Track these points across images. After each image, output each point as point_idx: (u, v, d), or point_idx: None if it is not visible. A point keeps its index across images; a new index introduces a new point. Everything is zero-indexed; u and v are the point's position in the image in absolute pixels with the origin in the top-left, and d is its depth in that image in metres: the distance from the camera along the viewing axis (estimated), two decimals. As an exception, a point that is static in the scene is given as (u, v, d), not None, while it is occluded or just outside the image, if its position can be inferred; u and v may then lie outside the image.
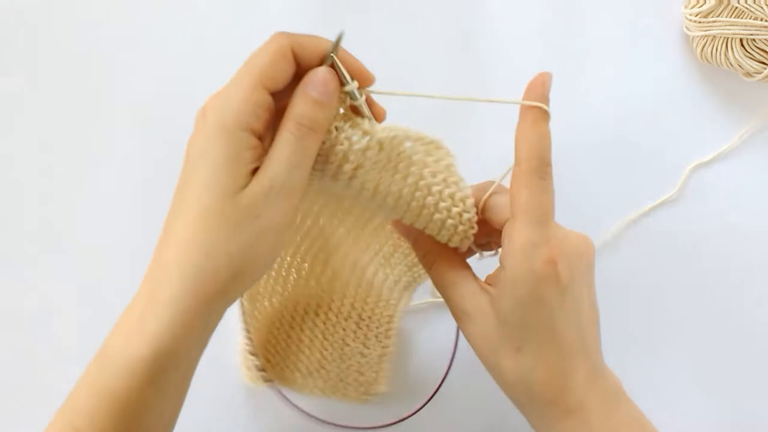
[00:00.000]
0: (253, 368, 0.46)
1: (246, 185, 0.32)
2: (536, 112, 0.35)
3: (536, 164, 0.35)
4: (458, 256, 0.39)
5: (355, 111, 0.35)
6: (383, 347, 0.48)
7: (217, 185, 0.32)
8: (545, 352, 0.35)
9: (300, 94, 0.33)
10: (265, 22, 0.54)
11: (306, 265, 0.45)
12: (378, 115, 0.36)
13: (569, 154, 0.53)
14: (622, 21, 0.55)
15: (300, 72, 0.34)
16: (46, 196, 0.52)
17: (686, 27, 0.53)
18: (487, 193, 0.38)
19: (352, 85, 0.34)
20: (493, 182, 0.38)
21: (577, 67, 0.54)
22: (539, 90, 0.36)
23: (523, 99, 0.35)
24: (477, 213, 0.38)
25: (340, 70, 0.34)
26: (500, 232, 0.37)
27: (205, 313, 0.33)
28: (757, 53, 0.51)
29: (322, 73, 0.33)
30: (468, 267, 0.38)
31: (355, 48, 0.53)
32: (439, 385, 0.48)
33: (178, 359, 0.33)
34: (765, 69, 0.51)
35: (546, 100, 0.35)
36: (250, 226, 0.32)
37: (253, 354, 0.46)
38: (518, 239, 0.35)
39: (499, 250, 0.37)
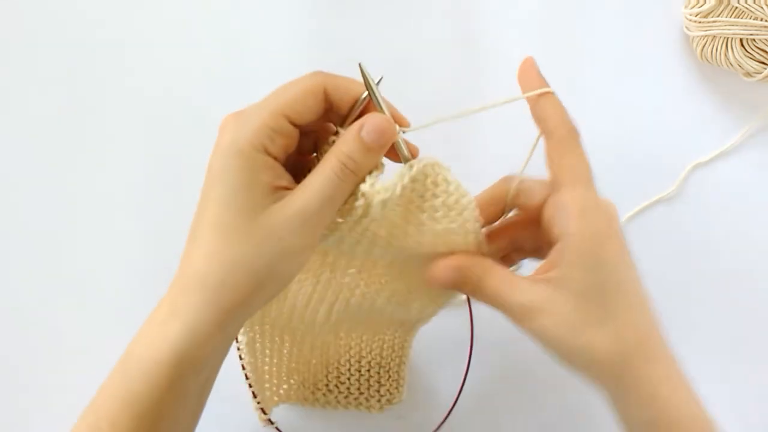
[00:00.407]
0: (258, 410, 0.46)
1: (267, 204, 0.33)
2: (544, 93, 0.37)
3: (568, 130, 0.36)
4: (501, 267, 0.37)
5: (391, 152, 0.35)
6: (400, 357, 0.48)
7: (236, 204, 0.33)
8: (629, 312, 0.35)
9: (353, 135, 0.34)
10: (264, 21, 0.54)
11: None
12: (413, 153, 0.36)
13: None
14: (622, 21, 0.55)
15: (330, 112, 0.35)
16: (46, 196, 0.52)
17: (686, 27, 0.53)
18: (516, 182, 0.38)
19: (400, 134, 0.35)
20: (508, 177, 0.39)
21: (577, 66, 0.54)
22: (533, 74, 0.38)
23: (521, 88, 0.37)
24: (506, 208, 0.38)
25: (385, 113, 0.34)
26: (531, 229, 0.37)
27: (224, 323, 0.33)
28: (757, 53, 0.51)
29: (381, 120, 0.34)
30: (513, 273, 0.37)
31: (355, 47, 0.54)
32: (453, 406, 0.48)
33: (197, 366, 0.34)
34: (765, 69, 0.51)
35: (543, 80, 0.38)
36: (272, 246, 0.33)
37: (255, 396, 0.46)
38: (576, 204, 0.35)
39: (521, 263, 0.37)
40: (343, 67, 0.52)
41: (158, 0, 0.54)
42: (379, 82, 0.35)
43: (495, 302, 0.36)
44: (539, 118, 0.37)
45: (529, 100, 0.37)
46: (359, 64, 0.35)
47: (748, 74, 0.52)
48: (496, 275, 0.36)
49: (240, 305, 0.34)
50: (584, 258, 0.35)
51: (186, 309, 0.33)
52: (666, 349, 0.36)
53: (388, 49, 0.54)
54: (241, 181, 0.33)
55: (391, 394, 0.48)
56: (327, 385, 0.48)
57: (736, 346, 0.51)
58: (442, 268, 0.36)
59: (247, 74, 0.54)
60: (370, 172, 0.34)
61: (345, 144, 0.34)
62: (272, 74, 0.52)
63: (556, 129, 0.36)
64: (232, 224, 0.33)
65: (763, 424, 0.51)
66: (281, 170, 0.34)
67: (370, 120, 0.34)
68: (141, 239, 0.52)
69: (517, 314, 0.35)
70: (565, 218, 0.35)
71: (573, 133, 0.37)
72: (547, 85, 0.37)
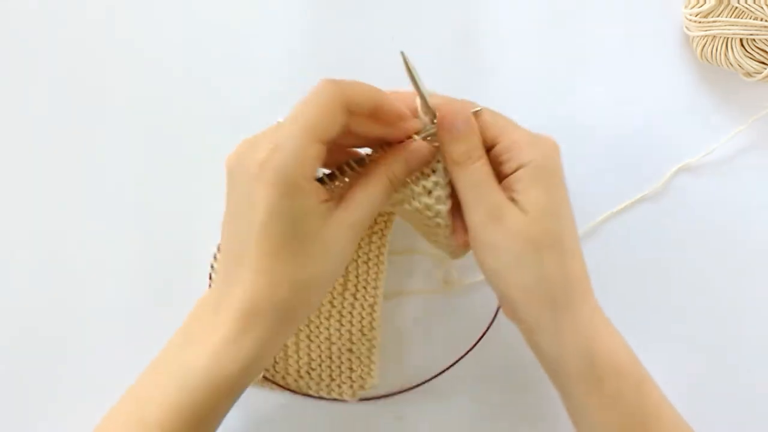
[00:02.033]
0: None
1: (322, 223, 0.36)
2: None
3: (465, 111, 0.40)
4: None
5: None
6: (369, 340, 0.49)
7: (297, 231, 0.36)
8: (573, 245, 0.39)
9: (400, 157, 0.39)
10: (263, 22, 0.54)
11: None
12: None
13: (566, 150, 0.52)
14: (621, 21, 0.55)
15: (352, 118, 0.37)
16: (46, 196, 0.52)
17: (686, 27, 0.53)
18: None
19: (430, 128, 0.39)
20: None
21: (576, 66, 0.54)
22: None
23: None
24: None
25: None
26: None
27: (283, 343, 0.38)
28: (757, 53, 0.51)
29: (424, 150, 0.39)
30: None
31: (355, 47, 0.54)
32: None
33: (256, 375, 0.38)
34: (765, 69, 0.51)
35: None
36: (335, 260, 0.37)
37: None
38: (524, 138, 0.39)
39: None
40: (343, 68, 0.53)
41: (157, 1, 0.54)
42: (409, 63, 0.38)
43: (478, 187, 0.38)
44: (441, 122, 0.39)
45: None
46: (401, 53, 0.38)
47: (748, 74, 0.52)
48: (488, 165, 0.39)
49: (296, 325, 0.38)
50: (544, 179, 0.38)
51: (259, 329, 0.36)
52: (591, 290, 0.40)
53: (388, 49, 0.54)
54: (299, 214, 0.35)
55: (363, 379, 0.49)
56: (298, 371, 0.48)
57: (713, 345, 0.51)
58: (461, 116, 0.39)
59: (247, 75, 0.54)
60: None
61: (394, 165, 0.38)
62: (272, 75, 0.54)
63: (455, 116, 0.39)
64: (296, 250, 0.36)
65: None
66: (321, 188, 0.37)
67: (416, 148, 0.39)
68: (141, 240, 0.52)
69: (489, 211, 0.38)
70: (518, 153, 0.38)
71: (471, 107, 0.40)
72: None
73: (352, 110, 0.37)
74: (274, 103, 0.53)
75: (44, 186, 0.52)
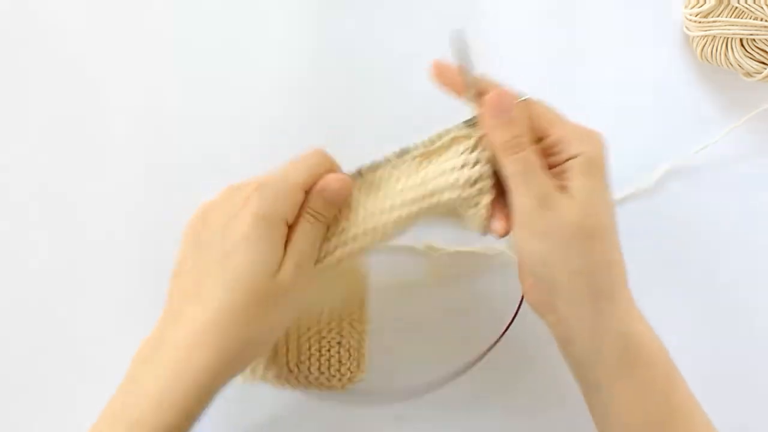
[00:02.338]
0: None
1: (279, 266, 0.38)
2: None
3: (510, 96, 0.40)
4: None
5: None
6: (359, 332, 0.49)
7: (260, 268, 0.37)
8: (615, 231, 0.39)
9: (318, 195, 0.40)
10: (263, 22, 0.54)
11: None
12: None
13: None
14: (621, 21, 0.55)
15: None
16: (45, 197, 0.52)
17: (686, 27, 0.53)
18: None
19: None
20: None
21: (575, 66, 0.54)
22: (452, 71, 0.42)
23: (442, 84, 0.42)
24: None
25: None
26: None
27: (230, 375, 0.38)
28: (757, 53, 0.51)
29: (337, 183, 0.40)
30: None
31: (355, 47, 0.54)
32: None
33: (204, 408, 0.38)
34: (765, 69, 0.51)
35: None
36: (288, 300, 0.38)
37: None
38: (575, 132, 0.39)
39: None
40: (343, 68, 0.53)
41: (157, 4, 0.55)
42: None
43: (528, 173, 0.38)
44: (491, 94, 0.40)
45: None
46: (455, 31, 0.39)
47: (748, 74, 0.52)
48: (536, 152, 0.39)
49: (252, 358, 0.42)
50: (593, 171, 0.38)
51: (199, 368, 0.36)
52: (626, 277, 0.40)
53: (388, 49, 0.54)
54: (269, 248, 0.38)
55: (352, 372, 0.48)
56: (287, 365, 0.48)
57: (700, 345, 0.51)
58: (508, 101, 0.39)
59: (247, 76, 0.54)
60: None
61: (313, 202, 0.40)
62: (272, 75, 0.53)
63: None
64: (258, 289, 0.37)
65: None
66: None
67: (327, 181, 0.40)
68: (139, 242, 0.52)
69: (540, 196, 0.38)
70: (568, 147, 0.39)
71: (515, 97, 0.40)
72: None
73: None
74: (274, 105, 0.53)
75: (44, 186, 0.52)
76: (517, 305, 0.46)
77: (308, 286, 0.40)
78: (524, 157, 0.38)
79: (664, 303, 0.51)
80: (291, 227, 0.39)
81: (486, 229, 0.42)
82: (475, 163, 0.40)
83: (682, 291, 0.52)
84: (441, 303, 0.51)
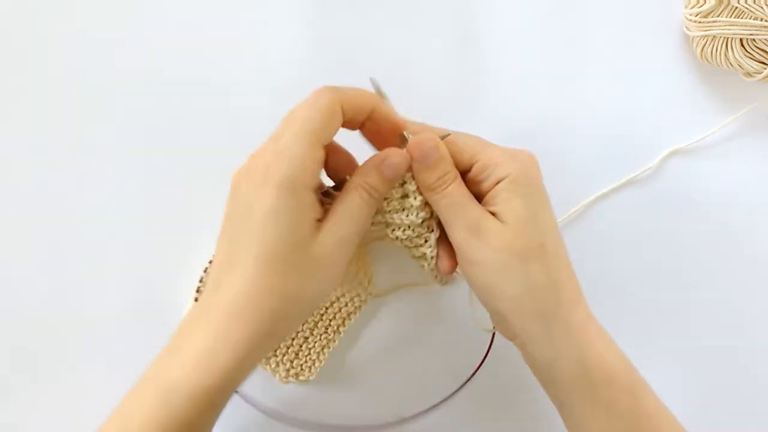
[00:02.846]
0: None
1: (313, 238, 0.36)
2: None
3: (432, 134, 0.40)
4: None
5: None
6: (329, 340, 0.49)
7: (290, 240, 0.35)
8: (558, 249, 0.38)
9: (375, 168, 0.38)
10: (264, 23, 0.54)
11: None
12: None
13: (566, 150, 0.53)
14: (622, 21, 0.55)
15: (345, 122, 0.38)
16: (45, 197, 0.52)
17: (686, 27, 0.53)
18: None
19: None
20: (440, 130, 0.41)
21: (576, 67, 0.54)
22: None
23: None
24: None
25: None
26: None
27: (269, 347, 0.37)
28: (757, 53, 0.51)
29: (398, 157, 0.38)
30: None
31: (355, 46, 0.54)
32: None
33: (234, 389, 0.36)
34: (765, 69, 0.51)
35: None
36: (324, 275, 0.37)
37: None
38: (502, 154, 0.39)
39: None
40: (342, 67, 0.53)
41: (159, 3, 0.54)
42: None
43: (456, 207, 0.38)
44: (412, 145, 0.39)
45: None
46: (371, 79, 0.39)
47: (749, 74, 0.52)
48: (462, 185, 0.39)
49: (289, 332, 0.38)
50: (524, 191, 0.38)
51: (238, 338, 0.35)
52: (582, 297, 0.39)
53: (388, 50, 0.54)
54: (295, 219, 0.35)
55: (301, 369, 0.49)
56: None
57: (695, 332, 0.51)
58: (429, 146, 0.38)
59: (247, 76, 0.54)
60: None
61: (369, 175, 0.38)
62: (272, 75, 0.53)
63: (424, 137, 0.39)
64: (288, 259, 0.35)
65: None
66: (317, 205, 0.37)
67: (389, 155, 0.38)
68: (141, 241, 0.52)
69: (470, 227, 0.38)
70: (497, 169, 0.38)
71: (437, 133, 0.39)
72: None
73: (349, 116, 0.37)
74: (274, 106, 0.52)
75: (43, 186, 0.52)
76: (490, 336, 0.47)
77: (347, 263, 0.38)
78: (450, 191, 0.38)
79: (655, 285, 0.52)
80: (338, 197, 0.38)
81: (437, 272, 0.42)
82: (422, 205, 0.40)
83: (674, 275, 0.52)
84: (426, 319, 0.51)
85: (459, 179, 0.39)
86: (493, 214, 0.38)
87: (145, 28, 0.54)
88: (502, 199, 0.38)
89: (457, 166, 0.40)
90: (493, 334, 0.47)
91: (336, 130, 0.37)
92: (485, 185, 0.39)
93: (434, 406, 0.47)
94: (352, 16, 0.55)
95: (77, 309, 0.50)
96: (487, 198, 0.39)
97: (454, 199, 0.38)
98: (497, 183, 0.38)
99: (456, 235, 0.38)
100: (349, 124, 0.38)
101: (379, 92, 0.39)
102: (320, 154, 0.36)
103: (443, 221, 0.39)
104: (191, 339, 0.36)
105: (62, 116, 0.53)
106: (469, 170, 0.40)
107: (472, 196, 0.39)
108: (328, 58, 0.54)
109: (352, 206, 0.38)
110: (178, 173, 0.52)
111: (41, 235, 0.51)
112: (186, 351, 0.35)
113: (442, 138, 0.39)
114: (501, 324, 0.40)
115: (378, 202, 0.39)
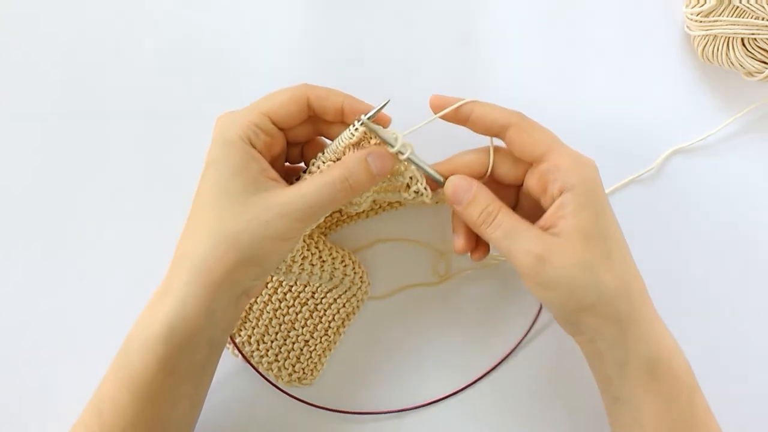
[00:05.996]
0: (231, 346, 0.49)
1: (257, 191, 0.37)
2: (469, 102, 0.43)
3: (518, 115, 0.41)
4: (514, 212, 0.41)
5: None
6: (329, 342, 0.49)
7: (228, 187, 0.37)
8: (623, 253, 0.39)
9: (360, 159, 0.39)
10: (263, 21, 0.54)
11: None
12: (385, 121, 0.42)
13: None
14: (622, 20, 0.54)
15: (314, 118, 0.41)
16: (45, 197, 0.52)
17: (687, 26, 0.53)
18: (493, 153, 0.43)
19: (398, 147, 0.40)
20: (483, 148, 0.43)
21: (577, 66, 0.54)
22: (447, 100, 0.43)
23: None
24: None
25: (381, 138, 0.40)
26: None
27: (210, 298, 0.36)
28: (759, 53, 0.51)
29: (384, 154, 0.39)
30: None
31: (355, 46, 0.54)
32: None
33: (187, 342, 0.36)
34: (766, 68, 0.51)
35: (457, 99, 0.43)
36: (258, 227, 0.37)
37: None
38: (568, 161, 0.39)
39: None
40: (343, 68, 0.53)
41: (160, 3, 0.55)
42: (385, 104, 0.40)
43: (511, 236, 0.39)
44: (483, 122, 0.41)
45: (457, 115, 0.42)
46: (359, 119, 0.40)
47: (750, 74, 0.52)
48: (510, 213, 0.40)
49: (224, 281, 0.36)
50: (589, 203, 0.39)
51: (177, 284, 0.36)
52: (648, 295, 0.40)
53: (388, 49, 0.54)
54: (232, 167, 0.37)
55: (303, 373, 0.49)
56: (250, 338, 0.48)
57: (698, 330, 0.51)
58: (463, 189, 0.41)
59: (247, 75, 0.54)
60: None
61: (352, 163, 0.38)
62: (272, 75, 0.53)
63: (509, 119, 0.40)
64: (224, 205, 0.37)
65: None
66: (267, 164, 0.39)
67: (378, 150, 0.39)
68: (141, 238, 0.51)
69: (532, 253, 0.38)
70: (563, 175, 0.39)
71: (522, 116, 0.41)
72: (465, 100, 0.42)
73: (316, 109, 0.40)
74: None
75: (43, 186, 0.52)
76: (533, 318, 0.48)
77: (295, 233, 0.38)
78: (499, 222, 0.40)
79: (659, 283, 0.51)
80: (325, 171, 0.39)
81: (435, 196, 0.43)
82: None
83: (676, 274, 0.52)
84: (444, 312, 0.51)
85: (504, 207, 0.40)
86: (553, 226, 0.39)
87: (145, 28, 0.54)
88: (569, 212, 0.38)
89: (527, 157, 0.41)
90: (536, 318, 0.48)
91: (295, 118, 0.40)
92: (550, 188, 0.40)
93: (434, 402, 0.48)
94: (353, 16, 0.55)
95: (77, 309, 0.51)
96: (553, 207, 0.39)
97: (506, 229, 0.39)
98: (562, 192, 0.39)
99: (519, 264, 0.39)
100: (323, 116, 0.41)
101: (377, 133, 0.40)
102: (265, 123, 0.39)
103: (501, 250, 0.40)
104: (154, 294, 0.38)
105: (62, 116, 0.53)
106: (537, 163, 0.41)
107: (522, 220, 0.40)
108: (329, 58, 0.54)
109: (321, 182, 0.38)
110: (178, 173, 0.52)
111: (41, 235, 0.52)
112: (147, 306, 0.38)
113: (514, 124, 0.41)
114: (569, 326, 0.41)
115: (352, 194, 0.39)
